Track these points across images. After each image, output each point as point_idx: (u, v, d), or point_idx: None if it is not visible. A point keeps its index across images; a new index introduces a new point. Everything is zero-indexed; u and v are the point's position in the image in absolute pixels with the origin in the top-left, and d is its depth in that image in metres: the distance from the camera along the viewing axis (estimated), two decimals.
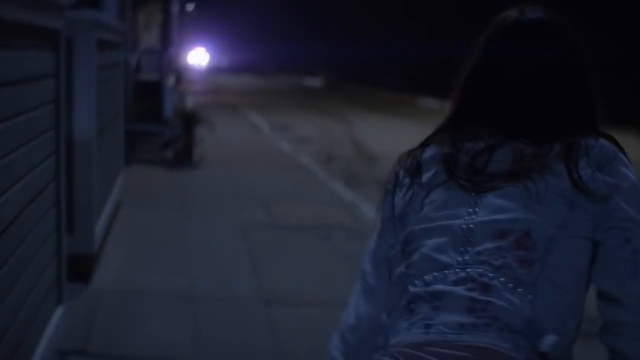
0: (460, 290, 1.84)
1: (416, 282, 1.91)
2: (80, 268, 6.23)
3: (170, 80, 16.36)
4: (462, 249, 1.88)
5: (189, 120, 12.73)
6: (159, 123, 14.10)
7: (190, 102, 19.59)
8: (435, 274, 1.89)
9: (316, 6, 78.50)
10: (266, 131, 19.84)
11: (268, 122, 21.84)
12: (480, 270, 1.84)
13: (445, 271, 1.87)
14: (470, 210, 1.92)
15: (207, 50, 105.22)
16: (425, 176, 2.02)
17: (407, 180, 2.06)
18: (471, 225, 1.89)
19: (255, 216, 9.11)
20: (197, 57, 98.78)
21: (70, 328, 5.15)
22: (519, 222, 1.85)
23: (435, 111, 26.61)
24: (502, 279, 1.82)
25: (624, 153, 1.97)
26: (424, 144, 2.11)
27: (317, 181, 12.03)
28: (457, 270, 1.86)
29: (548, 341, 1.78)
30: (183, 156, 12.66)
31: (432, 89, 30.98)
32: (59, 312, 4.83)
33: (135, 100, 16.49)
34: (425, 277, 1.90)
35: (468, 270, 1.85)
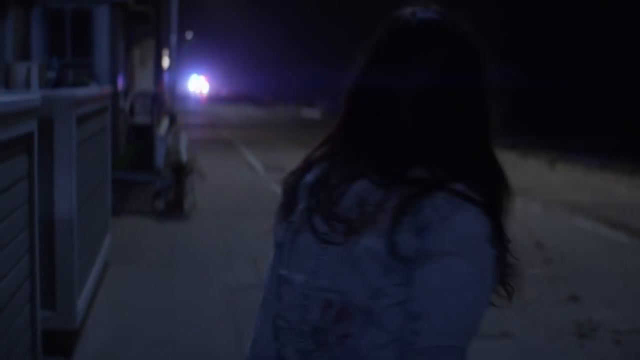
0: None
1: (276, 337, 1.88)
2: (63, 343, 6.24)
3: (164, 124, 16.40)
4: (302, 315, 1.80)
5: (180, 170, 12.75)
6: (150, 172, 14.14)
7: (184, 141, 19.62)
8: (286, 337, 1.84)
9: (318, 34, 78.71)
10: (260, 172, 19.86)
11: (262, 162, 21.87)
12: (310, 346, 1.78)
13: (290, 337, 1.83)
14: (314, 266, 1.80)
15: (207, 79, 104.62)
16: (298, 210, 1.89)
17: (284, 207, 1.95)
18: (307, 291, 1.79)
19: (243, 275, 9.11)
20: (197, 85, 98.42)
21: None
22: (340, 292, 1.73)
23: None
24: (321, 358, 1.76)
25: (494, 211, 1.74)
26: (308, 163, 1.96)
27: None
28: (296, 339, 1.81)
29: None
30: (174, 207, 12.67)
31: None
32: None
33: (128, 145, 16.55)
34: (280, 336, 1.86)
35: (302, 342, 1.79)
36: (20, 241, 4.24)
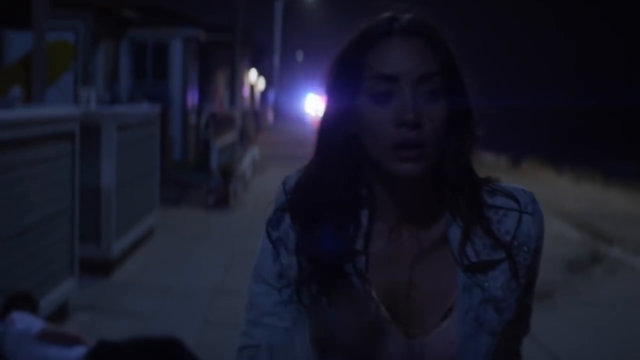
0: None
1: None
2: (104, 268, 9.77)
3: (229, 138, 19.97)
4: None
5: (226, 174, 16.37)
6: (207, 174, 17.68)
7: (252, 154, 23.09)
8: None
9: None
10: None
11: None
12: None
13: None
14: None
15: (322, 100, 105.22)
16: None
17: None
18: None
19: (249, 245, 12.50)
20: (313, 106, 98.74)
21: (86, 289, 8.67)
22: None
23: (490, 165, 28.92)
24: None
25: None
26: None
27: None
28: None
29: None
30: (221, 202, 16.26)
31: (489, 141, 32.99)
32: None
33: (197, 154, 20.39)
34: None
35: None
36: (64, 192, 7.78)
